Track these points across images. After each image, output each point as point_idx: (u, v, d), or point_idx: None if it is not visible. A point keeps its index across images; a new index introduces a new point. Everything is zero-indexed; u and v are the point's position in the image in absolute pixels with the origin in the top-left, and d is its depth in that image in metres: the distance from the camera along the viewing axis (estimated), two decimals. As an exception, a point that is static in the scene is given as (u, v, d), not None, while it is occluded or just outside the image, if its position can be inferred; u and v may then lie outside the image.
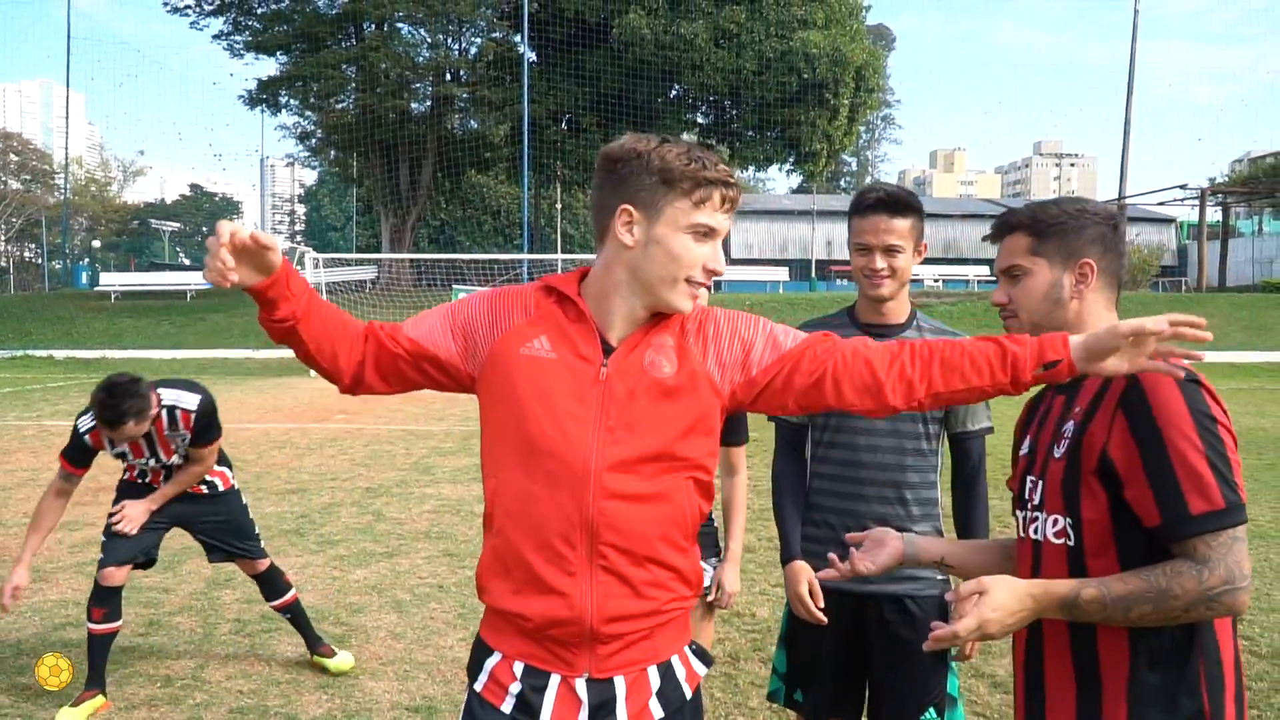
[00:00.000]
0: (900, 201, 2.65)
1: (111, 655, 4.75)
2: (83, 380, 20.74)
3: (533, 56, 34.00)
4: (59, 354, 26.76)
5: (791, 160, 34.60)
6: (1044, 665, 1.91)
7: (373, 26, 34.04)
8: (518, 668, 1.83)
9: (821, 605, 2.70)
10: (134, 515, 4.34)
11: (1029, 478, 1.99)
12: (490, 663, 1.86)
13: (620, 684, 1.82)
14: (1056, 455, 1.89)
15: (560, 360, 1.80)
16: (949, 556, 2.14)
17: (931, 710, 2.70)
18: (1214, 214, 42.30)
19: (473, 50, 35.42)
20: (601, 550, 1.77)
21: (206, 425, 4.31)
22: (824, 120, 31.75)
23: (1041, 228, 1.96)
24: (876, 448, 2.70)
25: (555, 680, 1.81)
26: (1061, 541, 1.87)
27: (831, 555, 2.11)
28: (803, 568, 2.71)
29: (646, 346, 1.84)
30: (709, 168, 1.76)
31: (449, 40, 35.35)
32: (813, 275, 40.13)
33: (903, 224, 2.64)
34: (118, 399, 3.94)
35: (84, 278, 39.21)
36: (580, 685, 1.81)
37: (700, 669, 1.95)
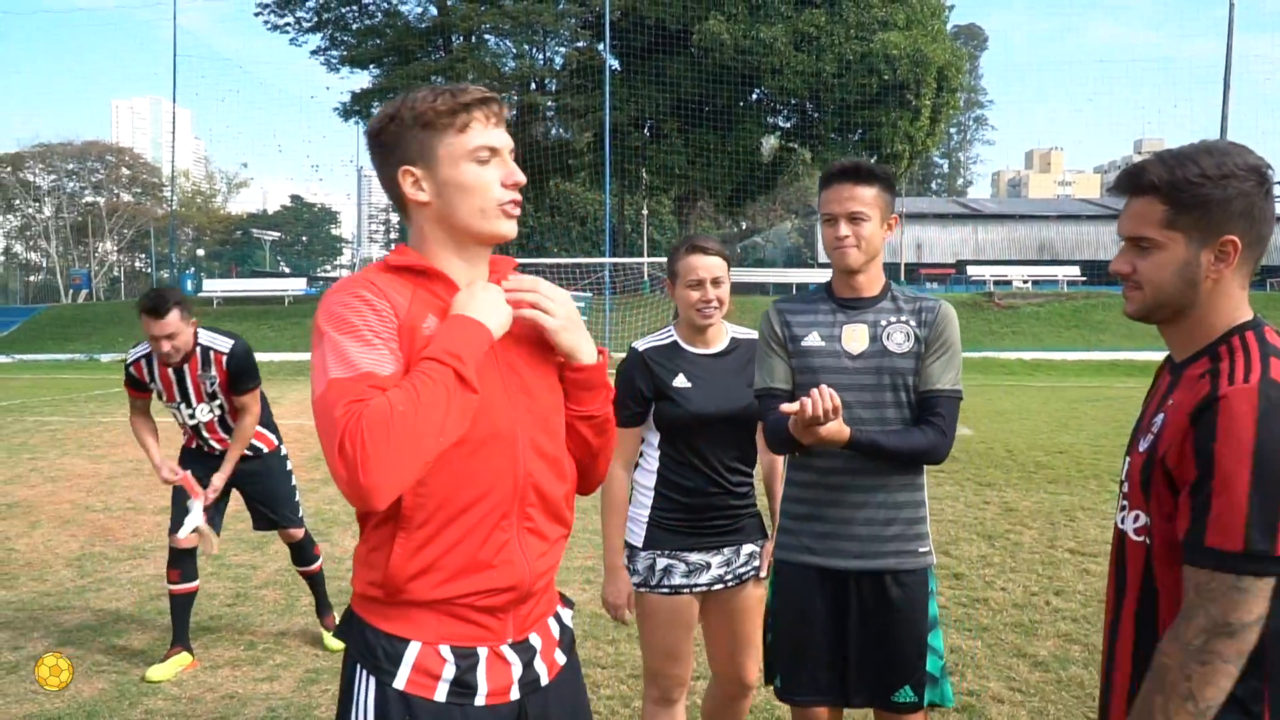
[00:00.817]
0: (865, 170, 2.62)
1: (200, 623, 5.20)
2: (186, 381, 21.77)
3: (615, 64, 34.46)
4: (165, 357, 28.08)
5: (873, 162, 34.33)
6: (1113, 675, 1.85)
7: (460, 39, 34.96)
8: (445, 651, 1.73)
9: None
10: (216, 484, 4.75)
11: (1127, 457, 1.86)
12: (410, 655, 1.72)
13: (536, 640, 1.84)
14: (1141, 448, 1.77)
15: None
16: None
17: (908, 688, 2.65)
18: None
19: (557, 59, 36.09)
20: (527, 512, 1.78)
21: (241, 369, 4.73)
22: (905, 121, 31.44)
23: (1182, 197, 1.67)
24: (857, 419, 2.58)
25: (484, 652, 1.75)
26: (1141, 539, 1.76)
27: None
28: None
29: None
30: (458, 95, 1.73)
31: (534, 50, 36.11)
32: (902, 278, 39.70)
33: (867, 192, 2.60)
34: (163, 292, 4.52)
35: (189, 285, 40.97)
36: (506, 650, 1.78)
37: (569, 612, 2.00)
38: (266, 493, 5.03)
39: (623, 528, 3.07)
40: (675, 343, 3.07)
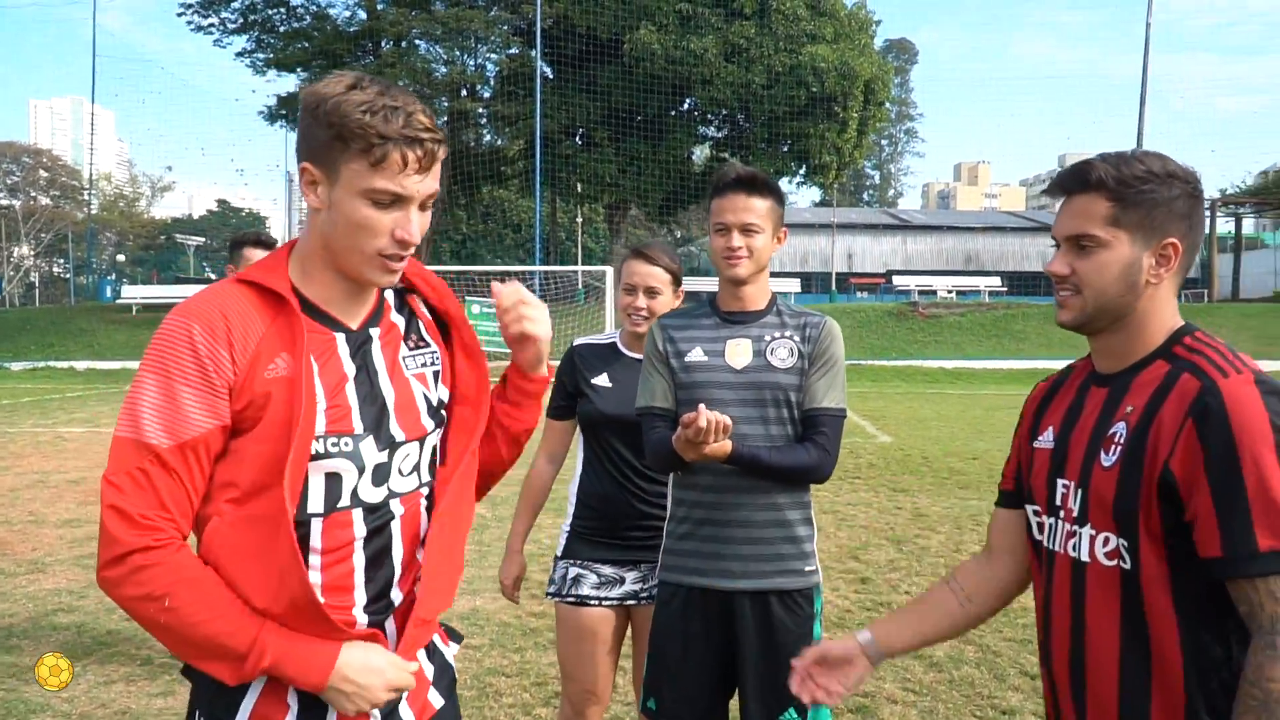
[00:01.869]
0: (759, 181, 2.61)
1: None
2: (101, 390, 21.20)
3: (547, 71, 34.46)
4: (80, 365, 27.29)
5: (802, 173, 34.89)
6: (1086, 675, 1.67)
7: (390, 44, 34.63)
8: (290, 697, 1.56)
9: None
10: None
11: (1059, 480, 1.73)
12: (248, 702, 1.55)
13: None
14: (1105, 463, 1.63)
15: (305, 373, 1.55)
16: (915, 638, 1.98)
17: (792, 710, 2.58)
18: (1247, 226, 42.11)
19: (489, 66, 36.01)
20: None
21: None
22: (833, 133, 32.04)
23: (1128, 194, 1.62)
24: (740, 434, 2.52)
25: None
26: (1114, 564, 1.61)
27: None
28: None
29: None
30: (391, 120, 1.48)
31: (465, 56, 35.91)
32: (833, 288, 40.24)
33: (761, 204, 2.58)
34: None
35: (108, 291, 39.92)
36: None
37: (454, 649, 1.86)
38: None
39: (532, 512, 3.23)
40: (614, 344, 3.15)
